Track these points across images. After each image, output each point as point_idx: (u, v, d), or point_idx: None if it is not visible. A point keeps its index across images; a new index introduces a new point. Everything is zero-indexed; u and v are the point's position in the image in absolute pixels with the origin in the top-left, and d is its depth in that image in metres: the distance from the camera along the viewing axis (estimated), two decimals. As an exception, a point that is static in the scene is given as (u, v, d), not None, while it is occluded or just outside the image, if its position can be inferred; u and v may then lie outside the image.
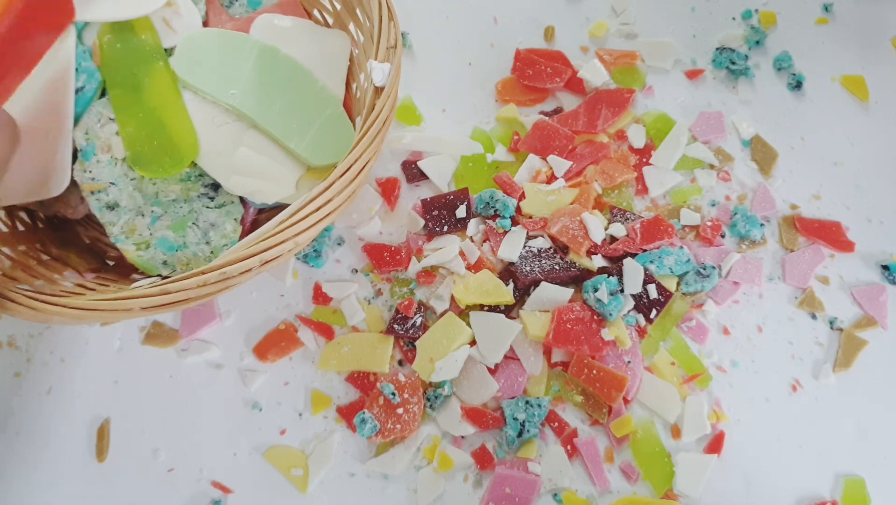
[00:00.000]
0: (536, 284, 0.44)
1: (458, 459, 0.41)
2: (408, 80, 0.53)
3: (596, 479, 0.40)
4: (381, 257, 0.46)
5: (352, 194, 0.36)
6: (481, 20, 0.56)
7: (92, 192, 0.41)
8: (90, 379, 0.44)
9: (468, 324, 0.43)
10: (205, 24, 0.47)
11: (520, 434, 0.40)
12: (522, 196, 0.47)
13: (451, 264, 0.45)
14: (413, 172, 0.49)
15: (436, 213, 0.47)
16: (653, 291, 0.43)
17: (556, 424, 0.42)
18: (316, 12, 0.50)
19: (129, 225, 0.41)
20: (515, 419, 0.41)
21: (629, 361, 0.42)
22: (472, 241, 0.46)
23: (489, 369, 0.42)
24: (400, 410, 0.41)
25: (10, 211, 0.44)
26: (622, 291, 0.43)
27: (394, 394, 0.41)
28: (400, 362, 0.44)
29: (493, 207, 0.46)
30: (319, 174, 0.43)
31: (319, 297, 0.46)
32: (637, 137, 0.49)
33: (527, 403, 0.41)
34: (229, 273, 0.34)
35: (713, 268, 0.45)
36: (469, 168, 0.49)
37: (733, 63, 0.52)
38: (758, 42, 0.54)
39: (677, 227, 0.46)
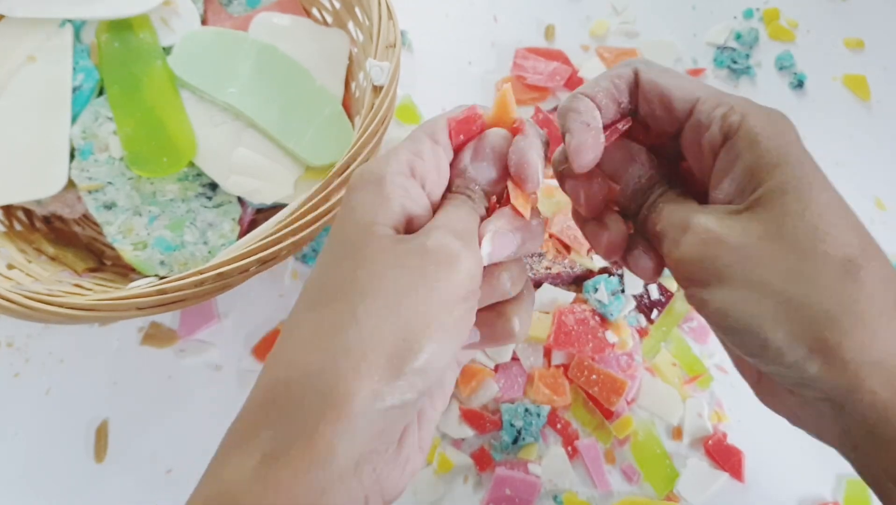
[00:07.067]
0: (538, 285, 0.43)
1: (458, 460, 0.41)
2: (407, 80, 0.52)
3: (597, 480, 0.40)
4: (381, 257, 0.46)
5: (351, 194, 0.36)
6: (481, 19, 0.55)
7: (89, 192, 0.41)
8: (88, 379, 0.43)
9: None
10: (203, 22, 0.47)
11: (515, 441, 0.40)
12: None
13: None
14: (413, 172, 0.49)
15: (435, 212, 0.47)
16: (654, 292, 0.43)
17: (558, 425, 0.41)
18: (315, 11, 0.49)
19: (126, 225, 0.41)
20: (513, 426, 0.40)
21: (630, 362, 0.42)
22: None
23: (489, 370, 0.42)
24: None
25: (8, 210, 0.44)
26: (623, 291, 0.43)
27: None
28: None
29: (493, 207, 0.46)
30: (318, 174, 0.43)
31: (318, 297, 0.45)
32: (638, 137, 0.49)
33: (526, 410, 0.41)
34: (227, 273, 0.34)
35: (714, 268, 0.44)
36: (469, 167, 0.49)
37: (734, 62, 0.52)
38: (759, 41, 0.53)
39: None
